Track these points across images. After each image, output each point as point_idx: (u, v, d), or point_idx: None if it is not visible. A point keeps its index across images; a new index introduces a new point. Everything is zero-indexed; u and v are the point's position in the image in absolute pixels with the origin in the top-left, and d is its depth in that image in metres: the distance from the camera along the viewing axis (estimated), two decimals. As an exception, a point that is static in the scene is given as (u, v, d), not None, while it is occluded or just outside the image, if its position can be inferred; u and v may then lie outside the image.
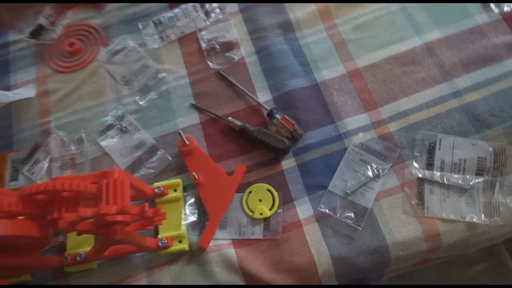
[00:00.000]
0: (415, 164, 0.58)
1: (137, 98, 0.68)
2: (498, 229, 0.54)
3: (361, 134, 0.60)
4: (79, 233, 0.48)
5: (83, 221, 0.46)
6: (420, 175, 0.57)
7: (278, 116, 0.62)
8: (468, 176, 0.56)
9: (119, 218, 0.45)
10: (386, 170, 0.58)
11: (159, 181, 0.61)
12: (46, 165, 0.64)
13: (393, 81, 0.64)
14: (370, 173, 0.58)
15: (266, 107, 0.63)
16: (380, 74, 0.64)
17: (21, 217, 0.48)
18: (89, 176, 0.50)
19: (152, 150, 0.64)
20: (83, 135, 0.65)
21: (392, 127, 0.61)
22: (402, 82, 0.63)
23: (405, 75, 0.64)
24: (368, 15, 0.69)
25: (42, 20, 0.76)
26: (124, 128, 0.66)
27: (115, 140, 0.65)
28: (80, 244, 0.57)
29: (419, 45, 0.66)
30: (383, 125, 0.61)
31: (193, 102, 0.66)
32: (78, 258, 0.55)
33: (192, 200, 0.60)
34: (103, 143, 0.65)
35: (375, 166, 0.58)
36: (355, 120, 0.62)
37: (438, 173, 0.56)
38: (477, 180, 0.55)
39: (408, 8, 0.69)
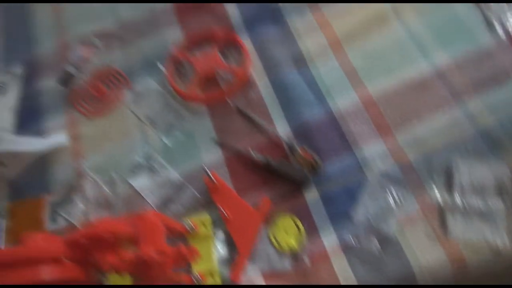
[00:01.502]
0: (435, 189, 0.59)
1: (162, 137, 0.72)
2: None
3: (379, 161, 0.63)
4: (119, 273, 0.52)
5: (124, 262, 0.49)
6: (440, 200, 0.59)
7: (297, 148, 0.64)
8: (488, 199, 0.57)
9: (157, 259, 0.49)
10: (406, 196, 0.60)
11: (189, 217, 0.65)
12: (82, 207, 0.68)
13: (406, 105, 0.66)
14: (391, 200, 0.60)
15: (285, 139, 0.66)
16: (393, 100, 0.67)
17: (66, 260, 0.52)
18: (126, 219, 0.54)
19: (180, 187, 0.67)
20: (114, 176, 0.69)
21: (409, 152, 0.63)
22: (415, 107, 0.66)
23: (418, 100, 0.66)
24: (378, 43, 0.72)
25: (69, 67, 0.81)
26: (152, 167, 0.69)
27: (144, 179, 0.69)
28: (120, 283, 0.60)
29: (429, 69, 0.68)
30: (400, 151, 0.63)
31: (216, 139, 0.70)
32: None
33: (222, 235, 0.62)
34: (134, 183, 0.68)
35: (395, 193, 0.60)
36: (372, 148, 0.64)
37: (458, 197, 0.58)
38: (498, 202, 0.57)
39: (415, 34, 0.72)
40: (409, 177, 0.61)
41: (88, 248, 0.51)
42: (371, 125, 0.66)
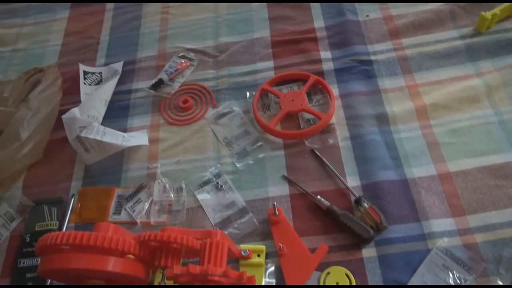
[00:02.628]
0: (500, 282, 0.57)
1: (234, 160, 0.75)
2: None
3: (445, 239, 0.62)
4: (177, 282, 0.53)
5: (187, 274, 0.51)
6: (503, 294, 0.57)
7: (365, 204, 0.65)
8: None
9: (219, 279, 0.50)
10: (468, 281, 0.58)
11: (244, 243, 0.66)
12: (146, 206, 0.72)
13: (484, 191, 0.65)
14: (451, 281, 0.58)
15: (355, 193, 0.67)
16: (471, 182, 0.66)
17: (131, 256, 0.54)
18: (194, 232, 0.56)
19: (242, 212, 0.69)
20: (183, 185, 0.73)
21: (479, 238, 0.61)
22: (493, 194, 0.65)
23: (497, 188, 0.65)
24: (464, 121, 0.72)
25: (163, 75, 0.87)
26: (219, 186, 0.72)
27: (209, 195, 0.72)
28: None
29: (515, 160, 0.67)
30: (469, 234, 0.62)
31: (285, 174, 0.72)
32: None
33: (272, 268, 0.63)
34: (199, 196, 0.71)
35: (457, 275, 0.59)
36: (441, 223, 0.63)
37: (523, 297, 0.56)
38: None
39: (506, 121, 0.71)
40: (475, 263, 0.59)
41: (155, 252, 0.54)
42: (444, 201, 0.65)
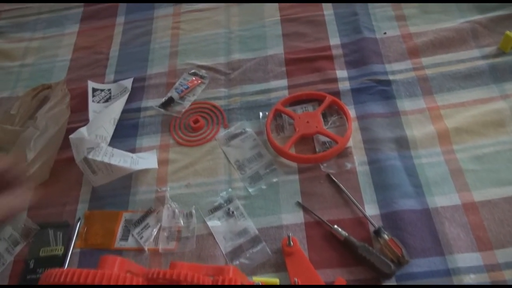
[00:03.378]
0: (531, 325, 0.54)
1: (247, 184, 0.72)
2: None
3: (472, 276, 0.58)
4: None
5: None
6: None
7: (386, 236, 0.61)
8: None
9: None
10: (497, 323, 0.54)
11: (256, 274, 0.63)
12: (154, 233, 0.69)
13: (512, 224, 0.61)
14: (479, 322, 0.55)
15: (374, 223, 0.63)
16: (498, 213, 0.62)
17: None
18: (205, 268, 0.53)
19: (255, 240, 0.66)
20: (193, 211, 0.70)
21: (508, 275, 0.57)
22: (522, 228, 0.61)
23: (527, 220, 0.61)
24: (489, 147, 0.69)
25: (173, 93, 0.84)
26: (231, 212, 0.69)
27: (220, 222, 0.68)
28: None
29: (545, 190, 0.63)
30: (497, 270, 0.58)
31: (300, 201, 0.69)
32: None
33: (286, 302, 0.60)
34: (210, 223, 0.68)
35: (485, 316, 0.55)
36: (466, 258, 0.59)
37: None
38: None
39: (534, 147, 0.68)
40: (504, 303, 0.56)
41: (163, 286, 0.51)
42: (469, 234, 0.61)
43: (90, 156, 0.71)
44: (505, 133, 0.70)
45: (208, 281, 0.50)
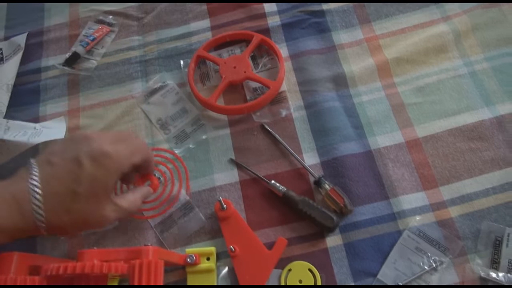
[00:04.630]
0: (478, 261, 0.51)
1: (172, 145, 0.63)
2: None
3: (417, 217, 0.54)
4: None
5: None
6: (482, 274, 0.51)
7: (327, 186, 0.56)
8: (541, 284, 0.49)
9: None
10: (444, 263, 0.52)
11: (191, 244, 0.57)
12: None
13: (456, 157, 0.57)
14: (425, 265, 0.52)
15: (314, 174, 0.58)
16: (442, 147, 0.58)
17: None
18: (120, 252, 0.46)
19: (186, 207, 0.59)
20: (113, 183, 0.61)
21: (454, 212, 0.54)
22: (467, 160, 0.57)
23: (471, 151, 0.58)
24: (432, 76, 0.63)
25: (78, 48, 0.71)
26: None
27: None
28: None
29: (488, 118, 0.59)
30: (443, 208, 0.55)
31: (233, 157, 0.61)
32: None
33: (225, 271, 0.54)
34: (134, 194, 0.60)
35: (432, 257, 0.52)
36: (411, 199, 0.56)
37: (503, 275, 0.50)
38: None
39: (477, 72, 0.63)
40: (451, 243, 0.52)
41: (73, 280, 0.43)
42: (413, 173, 0.57)
43: (-23, 134, 0.59)
44: (447, 59, 0.64)
45: (123, 267, 0.43)
